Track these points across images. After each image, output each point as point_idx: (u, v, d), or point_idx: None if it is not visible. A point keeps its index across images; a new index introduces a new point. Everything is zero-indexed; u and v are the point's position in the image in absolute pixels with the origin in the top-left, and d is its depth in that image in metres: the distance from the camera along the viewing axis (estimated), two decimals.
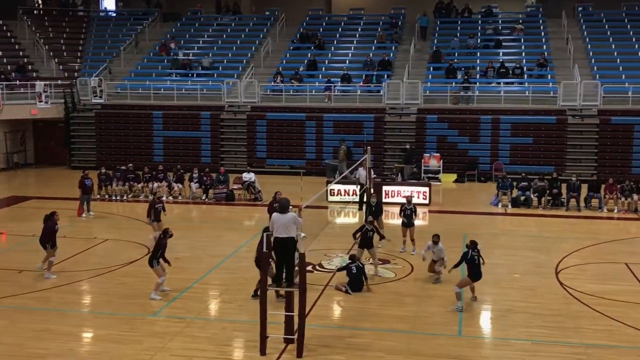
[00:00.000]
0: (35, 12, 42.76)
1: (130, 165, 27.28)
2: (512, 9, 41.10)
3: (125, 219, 23.01)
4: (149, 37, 39.91)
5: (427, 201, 24.88)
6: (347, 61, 35.85)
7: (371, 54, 35.34)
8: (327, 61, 36.10)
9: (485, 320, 14.03)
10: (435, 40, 36.72)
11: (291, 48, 37.68)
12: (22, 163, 34.91)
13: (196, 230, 21.69)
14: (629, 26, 35.92)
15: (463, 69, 33.47)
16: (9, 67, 35.72)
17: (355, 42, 37.66)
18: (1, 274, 16.76)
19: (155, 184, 26.11)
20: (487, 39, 36.39)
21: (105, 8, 46.70)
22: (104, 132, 33.99)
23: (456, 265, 14.66)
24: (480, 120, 30.85)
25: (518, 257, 18.34)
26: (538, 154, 30.17)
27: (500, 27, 37.50)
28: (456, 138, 30.98)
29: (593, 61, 33.40)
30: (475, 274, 14.19)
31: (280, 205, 12.36)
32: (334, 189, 25.50)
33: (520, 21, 37.71)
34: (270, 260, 12.65)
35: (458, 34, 36.76)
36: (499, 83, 32.61)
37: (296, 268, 12.23)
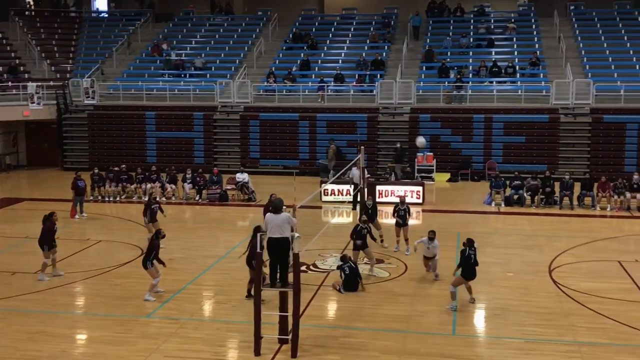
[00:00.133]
0: (27, 13, 42.59)
1: (123, 166, 27.22)
2: (504, 8, 41.16)
3: (118, 220, 22.97)
4: (141, 37, 39.82)
5: (420, 200, 24.91)
6: (340, 61, 35.86)
7: (364, 54, 35.37)
8: (320, 61, 36.10)
9: (479, 319, 14.05)
10: (428, 39, 36.76)
11: (284, 48, 37.67)
12: (15, 165, 34.80)
13: (190, 231, 21.67)
14: (620, 25, 36.04)
15: (456, 68, 33.52)
16: (0, 68, 35.58)
17: (348, 41, 37.67)
18: None
19: (149, 185, 26.05)
20: (479, 38, 36.45)
21: (97, 9, 46.56)
22: (97, 133, 33.90)
23: (459, 267, 14.39)
24: (473, 120, 30.91)
25: (511, 255, 18.38)
26: (531, 153, 30.25)
27: (492, 26, 37.57)
28: (449, 137, 31.02)
29: (585, 60, 33.51)
30: (469, 272, 14.15)
31: (273, 205, 12.36)
32: (328, 189, 25.49)
33: (513, 20, 37.77)
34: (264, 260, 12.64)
35: (450, 34, 36.81)
36: (491, 82, 32.67)
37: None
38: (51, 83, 34.88)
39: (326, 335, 12.94)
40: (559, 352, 12.15)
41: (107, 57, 37.87)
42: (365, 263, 17.12)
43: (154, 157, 32.66)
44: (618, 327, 13.25)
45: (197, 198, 25.95)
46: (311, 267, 17.16)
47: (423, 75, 34.12)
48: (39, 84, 33.67)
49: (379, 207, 20.94)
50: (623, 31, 35.40)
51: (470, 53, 35.40)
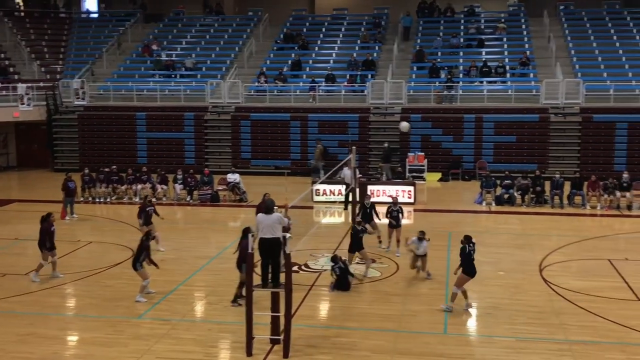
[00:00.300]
0: (16, 13, 42.44)
1: (114, 167, 27.13)
2: (494, 8, 41.35)
3: (109, 221, 22.89)
4: (131, 38, 39.74)
5: (412, 200, 24.96)
6: (331, 61, 35.89)
7: (355, 54, 35.41)
8: (311, 61, 36.12)
9: (470, 318, 14.08)
10: (419, 39, 36.84)
11: (275, 48, 37.66)
12: (5, 166, 34.67)
13: (181, 232, 21.62)
14: (609, 24, 36.22)
15: (446, 68, 33.61)
16: None
17: (339, 42, 37.71)
18: None
19: (139, 186, 26.00)
20: (469, 38, 36.56)
21: (87, 9, 46.38)
22: (87, 134, 33.80)
23: (460, 265, 14.17)
24: (464, 119, 30.99)
25: (502, 254, 18.44)
26: (521, 152, 30.36)
27: (482, 27, 37.69)
28: (440, 137, 31.10)
29: (575, 59, 33.66)
30: (471, 269, 13.99)
31: (265, 205, 12.36)
32: (319, 189, 25.50)
33: (503, 20, 37.92)
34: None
35: (441, 34, 36.91)
36: (482, 82, 32.77)
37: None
38: (41, 84, 34.77)
39: (318, 335, 12.94)
40: (550, 351, 12.19)
41: (97, 58, 37.75)
42: (357, 263, 17.15)
43: (145, 158, 32.59)
44: (608, 325, 13.32)
45: (188, 199, 25.90)
46: (303, 267, 17.16)
47: (414, 75, 34.19)
48: (29, 85, 33.55)
49: None
50: (612, 31, 35.59)
51: (461, 53, 35.50)
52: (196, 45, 38.50)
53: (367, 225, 18.01)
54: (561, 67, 32.06)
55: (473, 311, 14.32)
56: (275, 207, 12.38)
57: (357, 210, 22.28)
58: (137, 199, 25.53)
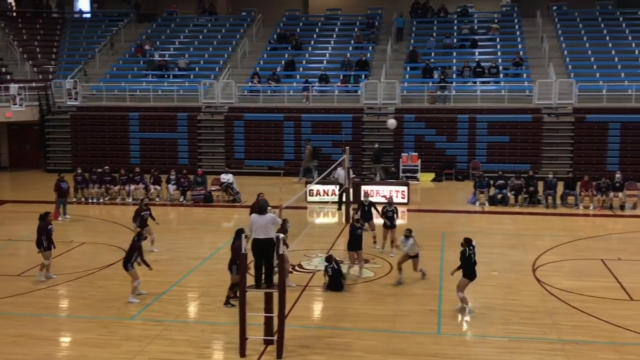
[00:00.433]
0: (8, 13, 42.22)
1: (107, 167, 27.04)
2: (487, 9, 41.40)
3: (101, 222, 22.82)
4: (124, 38, 39.63)
5: (405, 200, 24.96)
6: (325, 61, 35.87)
7: (348, 54, 35.41)
8: (304, 61, 36.09)
9: (464, 318, 14.08)
10: (412, 40, 36.86)
11: (268, 48, 37.62)
12: None
13: (174, 233, 21.56)
14: (602, 25, 36.32)
15: (440, 68, 33.63)
16: None
17: (332, 42, 37.69)
18: None
19: (132, 186, 25.93)
20: (463, 38, 36.59)
21: (80, 9, 46.25)
22: (80, 134, 33.68)
23: (459, 268, 14.13)
24: (457, 120, 31.02)
25: (495, 254, 18.45)
26: (514, 153, 30.41)
27: (476, 27, 37.73)
28: (434, 137, 31.11)
29: (568, 60, 33.74)
30: (471, 273, 13.89)
31: (259, 206, 12.34)
32: (313, 190, 25.49)
33: (496, 21, 37.98)
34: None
35: (434, 34, 36.93)
36: (475, 82, 32.81)
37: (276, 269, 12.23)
38: (33, 84, 34.62)
39: (311, 335, 12.93)
40: (543, 350, 12.22)
41: (90, 58, 37.63)
42: (351, 264, 17.15)
43: (138, 159, 32.49)
44: (601, 325, 13.35)
45: (181, 199, 25.85)
46: (296, 267, 17.14)
47: (407, 75, 34.21)
48: (21, 85, 33.39)
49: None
50: (605, 31, 35.68)
51: (454, 53, 35.53)
52: (189, 45, 38.43)
53: (366, 224, 17.93)
54: (554, 68, 32.14)
55: (466, 311, 14.33)
56: (269, 208, 12.35)
57: (351, 210, 22.35)
58: (130, 200, 25.47)
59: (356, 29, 38.20)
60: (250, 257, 12.34)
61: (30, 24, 40.44)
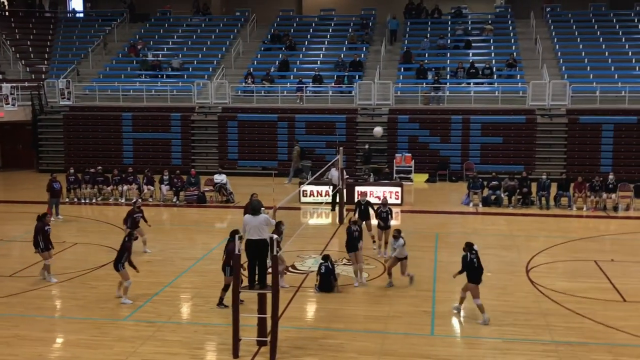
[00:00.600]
0: (1, 13, 42.09)
1: (99, 167, 26.94)
2: (481, 10, 41.45)
3: (94, 222, 22.73)
4: (117, 38, 39.54)
5: (399, 201, 24.96)
6: (319, 62, 35.85)
7: (342, 55, 35.41)
8: (298, 62, 36.07)
9: (457, 319, 14.08)
10: (406, 41, 36.89)
11: (262, 49, 37.58)
12: None
13: (167, 233, 21.51)
14: (596, 26, 36.42)
15: (433, 69, 33.65)
16: None
17: (326, 42, 37.69)
18: None
19: (125, 187, 25.85)
20: (457, 39, 36.63)
21: (73, 9, 46.13)
22: (73, 134, 33.56)
23: (460, 272, 13.93)
24: (451, 121, 31.03)
25: (489, 255, 18.39)
26: (508, 154, 30.45)
27: (469, 28, 37.81)
28: (427, 138, 31.12)
29: (561, 61, 33.81)
30: (475, 277, 13.67)
31: (252, 207, 12.28)
32: (306, 190, 25.45)
33: (490, 22, 38.04)
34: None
35: (428, 35, 36.97)
36: (469, 83, 32.86)
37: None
38: (26, 84, 34.48)
39: (305, 336, 12.90)
40: (537, 352, 12.22)
41: (83, 58, 37.54)
42: (345, 264, 17.14)
43: (131, 159, 32.40)
44: (594, 326, 13.36)
45: (174, 200, 25.77)
46: (290, 268, 17.10)
47: (401, 76, 34.22)
48: (14, 85, 33.22)
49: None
50: (599, 33, 35.79)
51: (448, 54, 35.57)
52: (183, 45, 38.36)
53: (364, 224, 17.71)
54: (548, 69, 32.20)
55: (460, 312, 14.32)
56: (262, 208, 12.30)
57: (344, 211, 22.36)
58: (122, 200, 25.38)
59: (350, 30, 38.21)
60: (244, 258, 12.30)
61: (23, 24, 40.30)
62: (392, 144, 30.98)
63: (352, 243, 15.73)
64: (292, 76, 34.74)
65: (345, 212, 22.45)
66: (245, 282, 12.59)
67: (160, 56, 37.10)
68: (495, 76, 33.24)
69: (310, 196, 25.67)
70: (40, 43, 39.15)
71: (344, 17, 40.21)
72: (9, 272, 16.91)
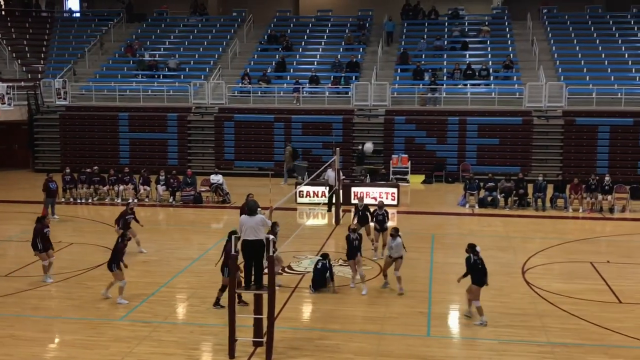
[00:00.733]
0: None
1: (95, 167, 26.90)
2: (478, 11, 41.49)
3: (90, 222, 22.69)
4: (114, 38, 39.49)
5: (395, 202, 24.96)
6: (315, 62, 35.85)
7: (339, 56, 35.42)
8: (295, 62, 36.08)
9: (453, 320, 14.10)
10: (403, 42, 36.91)
11: (259, 49, 37.57)
12: None
13: (163, 233, 21.48)
14: (592, 28, 36.49)
15: (430, 70, 33.67)
16: None
17: (323, 43, 37.69)
18: None
19: (122, 187, 25.81)
20: (453, 41, 36.65)
21: (70, 9, 46.04)
22: (69, 134, 33.51)
23: (464, 275, 13.84)
24: (448, 122, 31.06)
25: (485, 257, 18.19)
26: (504, 155, 30.48)
27: (466, 29, 37.84)
28: (424, 139, 31.14)
29: (558, 63, 33.87)
30: (479, 279, 13.59)
31: (248, 207, 12.27)
32: (303, 191, 25.44)
33: (486, 23, 38.10)
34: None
35: (425, 36, 37.00)
36: (465, 85, 32.89)
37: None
38: (22, 83, 34.44)
39: (301, 337, 12.89)
40: (532, 353, 12.23)
41: (80, 58, 37.47)
42: (341, 265, 17.14)
43: (127, 159, 32.36)
44: (590, 328, 13.38)
45: (170, 200, 25.75)
46: (286, 269, 17.09)
47: (398, 77, 34.23)
48: (10, 84, 33.16)
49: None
50: (595, 34, 35.86)
51: (445, 56, 35.59)
52: (179, 45, 38.33)
53: (362, 229, 17.59)
54: (544, 71, 32.26)
55: (456, 313, 14.35)
56: (259, 209, 12.29)
57: (340, 212, 22.36)
58: (119, 200, 25.35)
59: (347, 31, 38.22)
60: (241, 259, 12.29)
61: (20, 23, 40.24)
62: (388, 145, 30.99)
63: (352, 252, 15.52)
64: (288, 77, 34.74)
65: (341, 213, 22.45)
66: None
67: (157, 56, 37.05)
68: (491, 77, 33.27)
69: (306, 197, 25.66)
70: (37, 42, 39.09)
71: (340, 18, 40.22)
72: (5, 272, 16.88)
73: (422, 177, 30.19)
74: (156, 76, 35.60)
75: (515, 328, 13.36)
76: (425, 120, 31.39)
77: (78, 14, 45.17)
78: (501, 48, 35.86)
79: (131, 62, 36.85)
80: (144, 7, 44.10)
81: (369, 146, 23.67)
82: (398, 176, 29.07)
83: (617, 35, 35.53)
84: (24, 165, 34.10)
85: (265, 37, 38.25)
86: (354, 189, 24.97)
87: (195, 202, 25.56)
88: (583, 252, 19.10)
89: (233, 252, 12.07)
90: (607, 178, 24.81)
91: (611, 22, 36.87)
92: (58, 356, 12.25)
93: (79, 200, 25.79)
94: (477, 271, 13.59)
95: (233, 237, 12.34)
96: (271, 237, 12.01)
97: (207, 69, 35.76)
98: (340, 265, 17.18)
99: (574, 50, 34.87)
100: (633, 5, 37.41)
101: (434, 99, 32.29)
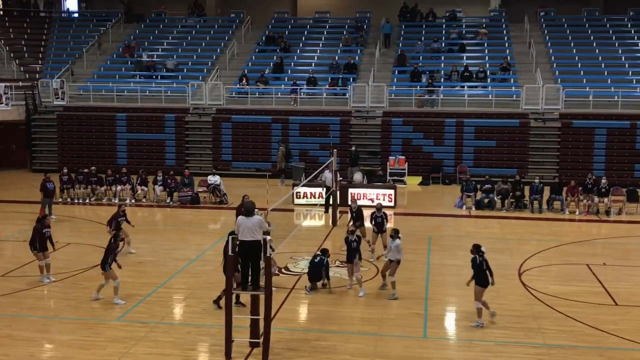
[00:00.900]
0: None
1: (93, 168, 26.89)
2: (475, 14, 41.55)
3: (87, 223, 22.68)
4: (112, 38, 39.48)
5: (392, 204, 24.99)
6: (313, 64, 35.87)
7: (337, 57, 35.44)
8: (292, 64, 36.10)
9: (449, 321, 14.13)
10: (400, 44, 36.96)
11: (257, 50, 37.59)
12: None
13: (160, 234, 21.49)
14: (589, 31, 36.57)
15: (427, 72, 33.71)
16: None
17: (320, 45, 37.72)
18: None
19: (119, 187, 25.81)
20: (451, 43, 36.72)
21: (68, 9, 46.03)
22: (66, 134, 33.49)
23: (473, 278, 13.74)
24: (445, 124, 31.10)
25: None
26: (501, 157, 30.53)
27: (464, 31, 37.91)
28: (421, 141, 31.19)
29: (555, 65, 33.93)
30: (483, 280, 13.55)
31: (245, 208, 12.28)
32: (300, 192, 25.46)
33: (484, 25, 38.16)
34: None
35: (423, 38, 37.06)
36: (462, 87, 32.94)
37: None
38: (20, 83, 34.42)
39: (298, 338, 12.91)
40: (528, 355, 12.26)
41: (78, 58, 37.46)
42: (338, 266, 17.16)
43: (125, 159, 32.35)
44: (586, 330, 13.42)
45: (168, 200, 25.75)
46: (283, 270, 17.11)
47: (395, 79, 34.28)
48: (8, 84, 33.15)
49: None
50: (592, 37, 35.94)
51: (442, 58, 35.64)
52: (177, 46, 38.34)
53: (358, 231, 17.56)
54: (541, 73, 32.31)
55: (452, 315, 14.38)
56: (256, 210, 12.31)
57: (337, 213, 22.38)
58: (116, 201, 25.34)
59: (345, 32, 38.24)
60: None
61: (18, 23, 40.21)
62: (385, 147, 31.03)
63: (351, 254, 15.49)
64: (286, 78, 34.76)
65: (338, 214, 22.47)
66: None
67: (154, 57, 37.05)
68: (489, 80, 33.33)
69: (303, 198, 25.68)
70: (35, 42, 39.06)
71: (338, 19, 40.25)
72: (2, 272, 16.87)
73: (419, 179, 30.23)
74: (154, 77, 35.60)
75: (512, 330, 13.39)
76: (423, 122, 31.43)
77: (76, 14, 45.15)
78: (498, 50, 35.93)
79: (129, 62, 36.84)
80: (142, 7, 44.09)
81: (357, 177, 23.48)
82: (395, 178, 29.12)
83: (614, 38, 35.61)
84: (21, 165, 34.07)
85: (263, 38, 38.27)
86: (351, 190, 24.99)
87: (192, 202, 25.57)
88: (579, 254, 19.14)
89: (230, 253, 12.10)
90: (603, 180, 24.86)
91: (608, 24, 36.96)
92: (55, 356, 12.25)
93: (76, 201, 25.79)
94: (482, 272, 13.56)
95: (230, 237, 12.36)
96: (269, 237, 12.03)
97: (205, 69, 35.78)
98: (337, 266, 17.19)
99: (571, 52, 34.95)
100: (630, 8, 37.49)
101: (431, 100, 32.34)
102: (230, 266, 12.12)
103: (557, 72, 33.35)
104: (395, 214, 24.22)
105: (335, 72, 34.38)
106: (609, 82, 32.38)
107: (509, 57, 34.44)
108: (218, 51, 37.38)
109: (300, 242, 19.59)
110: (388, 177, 29.10)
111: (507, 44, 36.42)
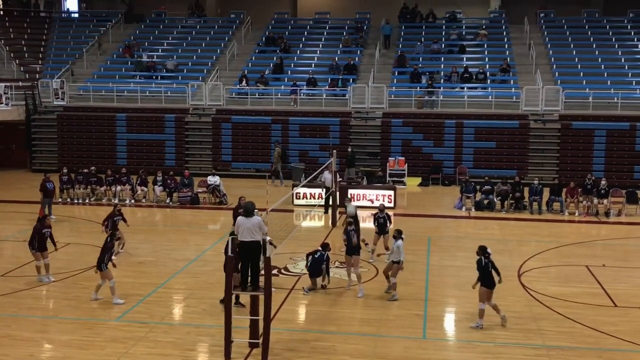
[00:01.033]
0: None
1: (93, 168, 26.90)
2: (475, 15, 41.57)
3: (87, 223, 22.67)
4: (112, 38, 39.49)
5: (392, 204, 25.00)
6: (313, 65, 35.89)
7: (337, 58, 35.45)
8: (292, 64, 36.11)
9: (449, 322, 14.14)
10: (400, 45, 36.98)
11: (257, 51, 37.60)
12: None
13: (160, 234, 21.50)
14: (589, 32, 36.60)
15: (427, 73, 33.73)
16: None
17: (320, 46, 37.73)
18: None
19: (119, 187, 25.82)
20: (451, 44, 36.74)
21: (68, 9, 46.05)
22: (66, 134, 33.49)
23: (478, 280, 13.68)
24: (445, 125, 31.12)
25: None
26: (501, 158, 30.54)
27: (464, 33, 37.92)
28: (421, 142, 31.20)
29: (555, 67, 33.96)
30: (489, 282, 13.49)
31: (245, 208, 12.29)
32: (299, 192, 25.47)
33: (484, 27, 38.17)
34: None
35: (422, 39, 37.08)
36: (462, 88, 32.95)
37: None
38: (20, 83, 34.42)
39: (297, 339, 12.92)
40: (528, 356, 12.27)
41: (78, 58, 37.47)
42: (338, 267, 17.16)
43: (125, 160, 32.36)
44: (585, 331, 13.42)
45: (167, 201, 25.76)
46: (282, 270, 17.12)
47: (395, 80, 34.30)
48: (8, 84, 33.16)
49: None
50: (592, 39, 35.96)
51: (442, 59, 35.65)
52: (178, 46, 38.35)
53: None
54: (541, 74, 32.34)
55: (452, 316, 14.39)
56: (255, 210, 12.31)
57: (337, 214, 22.39)
58: (116, 201, 25.32)
59: (345, 33, 38.25)
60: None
61: (18, 23, 40.21)
62: (385, 148, 31.04)
63: (349, 247, 15.56)
64: (286, 79, 34.77)
65: (338, 215, 22.48)
66: None
67: (154, 57, 37.06)
68: (488, 81, 33.35)
69: (303, 199, 25.69)
70: (35, 43, 39.06)
71: (338, 20, 40.27)
72: (1, 272, 16.87)
73: (418, 180, 30.23)
74: (154, 77, 35.60)
75: (511, 331, 13.39)
76: (422, 123, 31.45)
77: (76, 15, 45.18)
78: (498, 52, 35.95)
79: (129, 62, 36.85)
80: (142, 8, 44.11)
81: (351, 210, 23.27)
82: (395, 179, 29.12)
83: (613, 40, 35.63)
84: (21, 165, 34.06)
85: (263, 39, 38.28)
86: (350, 191, 24.99)
87: (192, 203, 25.58)
88: (579, 255, 19.16)
89: (229, 254, 12.10)
90: (603, 182, 24.87)
91: (608, 26, 36.98)
92: (54, 356, 12.25)
93: (76, 201, 25.80)
94: (488, 274, 13.51)
95: (230, 238, 12.37)
96: (268, 238, 12.04)
97: (205, 70, 35.78)
98: (337, 267, 17.20)
99: (570, 54, 34.97)
100: (630, 10, 37.53)
101: (431, 102, 32.35)
102: (229, 266, 12.12)
103: (556, 73, 33.37)
104: (395, 215, 24.14)
105: (335, 73, 34.40)
106: (609, 83, 32.41)
107: (508, 59, 34.46)
108: (218, 52, 37.40)
109: (300, 243, 19.59)
110: (388, 178, 29.12)
111: (507, 45, 36.44)
